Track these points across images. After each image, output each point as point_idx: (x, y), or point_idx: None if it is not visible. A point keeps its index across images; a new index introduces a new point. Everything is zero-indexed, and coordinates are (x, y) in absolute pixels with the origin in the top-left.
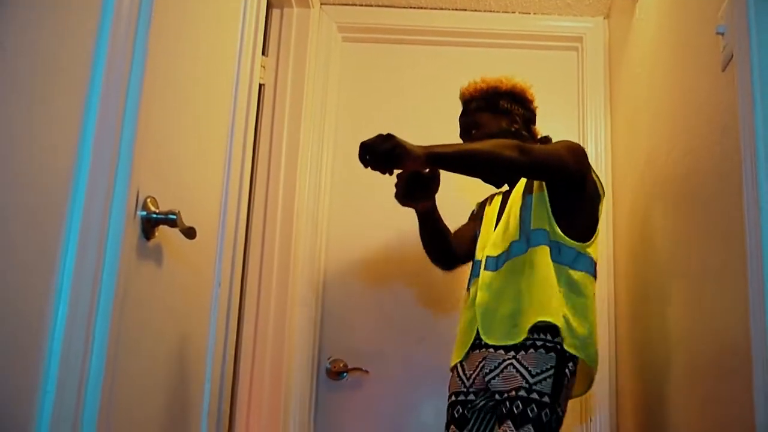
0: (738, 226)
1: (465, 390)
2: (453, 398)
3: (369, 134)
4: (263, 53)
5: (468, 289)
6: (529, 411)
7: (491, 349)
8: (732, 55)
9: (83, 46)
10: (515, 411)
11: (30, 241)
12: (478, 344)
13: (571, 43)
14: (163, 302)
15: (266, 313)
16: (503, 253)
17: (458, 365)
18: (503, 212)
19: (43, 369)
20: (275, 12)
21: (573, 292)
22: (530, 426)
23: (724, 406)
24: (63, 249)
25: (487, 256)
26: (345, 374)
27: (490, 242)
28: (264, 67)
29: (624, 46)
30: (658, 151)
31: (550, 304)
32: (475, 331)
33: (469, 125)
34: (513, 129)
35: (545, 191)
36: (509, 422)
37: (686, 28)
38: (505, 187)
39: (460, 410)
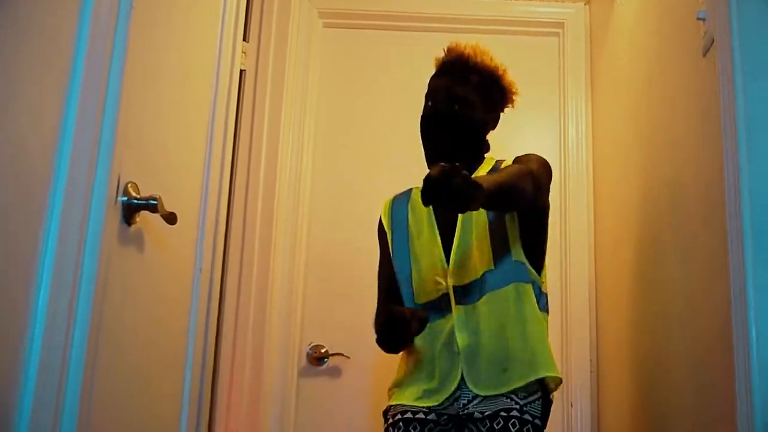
0: (719, 212)
1: (426, 410)
2: (409, 415)
3: (350, 120)
4: (244, 39)
5: (430, 321)
6: (525, 431)
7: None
8: (713, 41)
9: (64, 32)
10: (512, 429)
11: (11, 227)
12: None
13: (553, 28)
14: (144, 287)
15: (247, 298)
16: (475, 282)
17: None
18: (451, 226)
19: (24, 354)
20: None
21: None
22: None
23: (706, 394)
24: (44, 235)
25: (454, 287)
26: (326, 360)
27: (450, 268)
28: (245, 53)
29: (605, 32)
30: (639, 137)
31: (550, 355)
32: (458, 379)
33: (456, 97)
34: (488, 129)
35: (516, 217)
36: None
37: (667, 14)
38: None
39: (418, 427)
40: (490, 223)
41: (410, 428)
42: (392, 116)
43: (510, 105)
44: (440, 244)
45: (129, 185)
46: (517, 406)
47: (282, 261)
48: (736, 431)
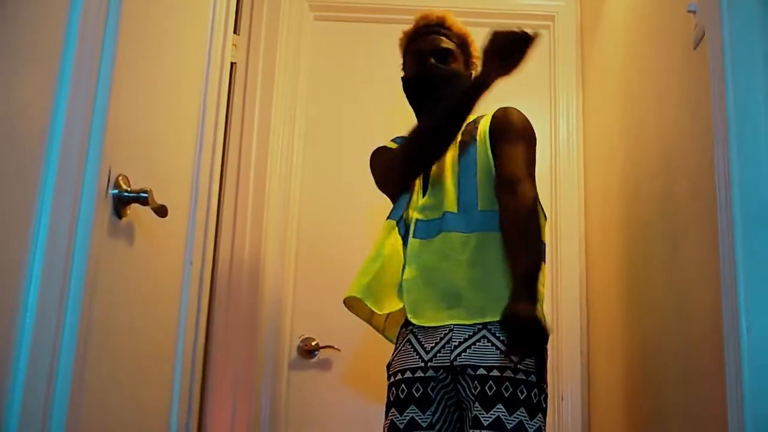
0: (710, 204)
1: (423, 365)
2: (409, 374)
3: (341, 113)
4: (235, 31)
5: (402, 235)
6: (519, 393)
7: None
8: (703, 34)
9: (54, 25)
10: (505, 394)
11: (1, 221)
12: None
13: (543, 21)
14: (134, 280)
15: (237, 291)
16: (436, 220)
17: (413, 337)
18: (436, 169)
19: (14, 346)
20: None
21: None
22: (523, 409)
23: (697, 384)
24: (34, 228)
25: (417, 221)
26: (316, 352)
27: (420, 203)
28: (236, 46)
29: (596, 24)
30: (629, 129)
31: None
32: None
33: (445, 52)
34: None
35: (493, 166)
36: (501, 406)
37: (658, 7)
38: None
39: (421, 389)
40: (460, 164)
41: (413, 391)
42: (383, 109)
43: (473, 70)
44: (421, 181)
45: (120, 178)
46: (511, 364)
47: (272, 254)
48: (727, 422)
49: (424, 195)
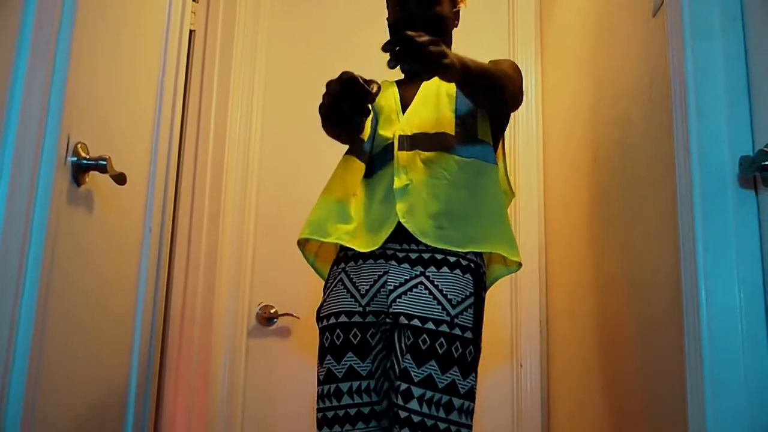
0: (668, 171)
1: (361, 310)
2: (344, 318)
3: (300, 81)
4: None
5: (373, 174)
6: (453, 350)
7: (393, 262)
8: (663, 1)
9: None
10: (439, 350)
11: None
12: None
13: None
14: (93, 248)
15: (197, 258)
16: (422, 134)
17: (345, 277)
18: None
19: None
20: None
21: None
22: (456, 368)
23: (656, 351)
24: None
25: (400, 135)
26: (275, 320)
27: (403, 119)
28: (194, 13)
29: None
30: (588, 97)
31: (506, 235)
32: (393, 224)
33: None
34: (453, 26)
35: (487, 117)
36: (433, 362)
37: None
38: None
39: (359, 335)
40: (457, 109)
41: (351, 337)
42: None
43: (462, 2)
44: (399, 105)
45: (78, 146)
46: (448, 318)
47: (231, 221)
48: (686, 388)
49: (403, 112)
